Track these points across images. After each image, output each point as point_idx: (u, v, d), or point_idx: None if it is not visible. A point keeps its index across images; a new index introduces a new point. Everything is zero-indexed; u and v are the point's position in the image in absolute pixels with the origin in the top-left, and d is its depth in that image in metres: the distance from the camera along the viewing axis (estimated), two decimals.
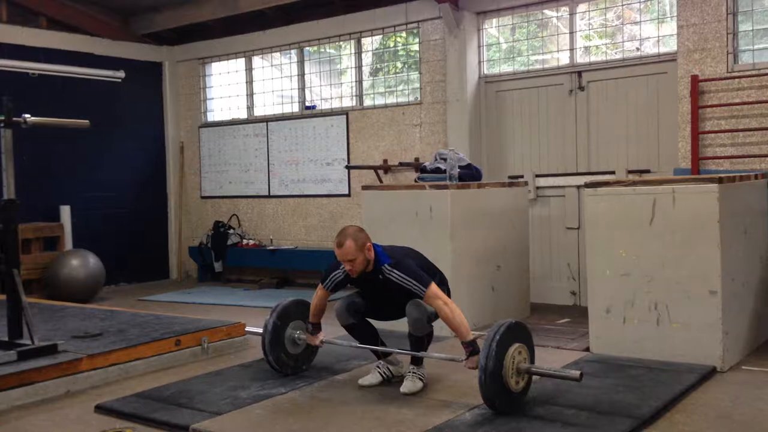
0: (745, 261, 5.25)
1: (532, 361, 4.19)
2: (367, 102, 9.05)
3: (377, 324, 4.82)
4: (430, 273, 4.56)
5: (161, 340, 5.46)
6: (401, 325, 4.70)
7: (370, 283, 4.53)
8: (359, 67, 9.10)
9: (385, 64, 9.13)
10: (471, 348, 4.21)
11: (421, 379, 4.53)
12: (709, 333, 4.86)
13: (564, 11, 7.64)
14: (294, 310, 4.98)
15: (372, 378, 4.66)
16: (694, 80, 6.58)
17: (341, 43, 9.28)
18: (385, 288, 4.45)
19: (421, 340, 4.50)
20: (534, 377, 4.21)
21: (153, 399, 4.49)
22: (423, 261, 4.67)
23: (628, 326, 5.15)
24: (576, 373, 4.03)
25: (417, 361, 4.59)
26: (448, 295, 4.56)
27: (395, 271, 4.38)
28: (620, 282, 5.17)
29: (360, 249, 4.37)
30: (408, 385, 4.47)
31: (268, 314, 4.93)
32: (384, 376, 4.67)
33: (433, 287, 4.34)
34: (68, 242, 9.06)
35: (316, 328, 4.82)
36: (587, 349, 5.39)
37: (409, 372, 4.56)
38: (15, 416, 4.33)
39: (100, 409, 4.39)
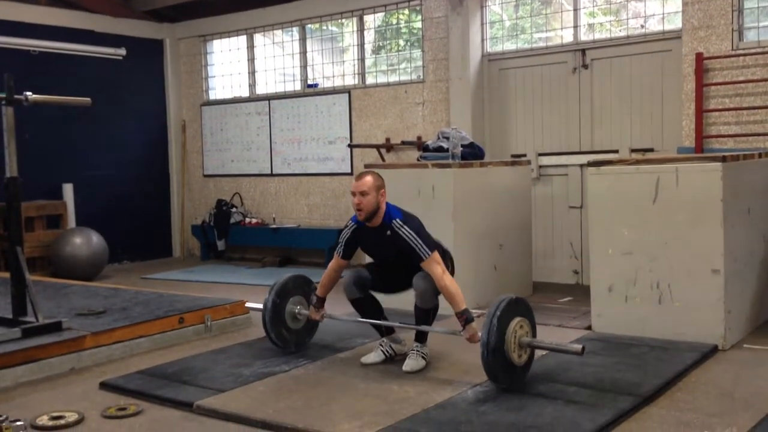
0: (748, 240, 5.24)
1: (533, 336, 4.21)
2: (370, 80, 9.01)
3: (384, 302, 4.83)
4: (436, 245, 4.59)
5: (165, 318, 5.48)
6: (406, 304, 4.71)
7: (376, 240, 4.54)
8: (361, 45, 9.05)
9: (388, 41, 9.07)
10: (464, 316, 4.25)
11: (423, 358, 4.55)
12: (711, 312, 4.87)
13: None
14: (292, 286, 4.99)
15: (375, 356, 4.68)
16: (699, 58, 6.54)
17: (343, 20, 9.22)
18: (391, 247, 4.47)
19: (426, 314, 4.53)
20: (537, 353, 4.23)
21: (157, 376, 4.51)
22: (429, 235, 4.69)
23: (630, 305, 5.16)
24: (578, 347, 4.05)
25: (420, 339, 4.61)
26: (453, 271, 4.61)
27: (405, 227, 4.42)
28: (623, 261, 5.17)
29: (375, 188, 4.44)
30: (411, 364, 4.50)
31: (267, 292, 4.94)
32: (386, 354, 4.69)
33: (437, 254, 4.41)
34: (71, 220, 9.07)
35: (320, 302, 4.84)
36: (589, 328, 5.40)
37: (412, 350, 4.58)
38: (20, 393, 4.36)
39: (104, 386, 4.41)
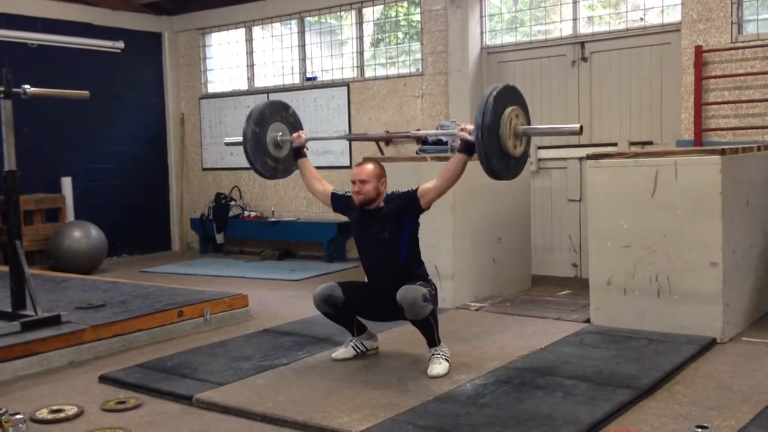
0: (747, 233, 5.25)
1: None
2: (369, 73, 8.99)
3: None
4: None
5: (164, 311, 5.48)
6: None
7: (367, 217, 4.44)
8: (360, 38, 9.03)
9: (387, 34, 9.05)
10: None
11: (446, 360, 4.32)
12: (709, 305, 4.87)
13: None
14: (269, 113, 4.83)
15: (345, 352, 4.63)
16: (698, 51, 6.53)
17: (342, 13, 9.19)
18: (379, 225, 4.38)
19: (427, 324, 4.28)
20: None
21: (156, 369, 4.52)
22: None
23: (629, 298, 5.17)
24: (576, 126, 3.93)
25: (432, 343, 4.35)
26: (436, 301, 4.39)
27: (394, 192, 4.44)
28: (621, 254, 5.18)
29: (376, 176, 4.39)
30: (436, 369, 4.24)
31: (245, 122, 4.76)
32: (357, 350, 4.63)
33: (421, 186, 4.38)
34: (70, 214, 9.07)
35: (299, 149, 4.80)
36: (588, 321, 5.41)
37: (433, 354, 4.33)
38: (20, 386, 4.36)
39: (103, 379, 4.42)
